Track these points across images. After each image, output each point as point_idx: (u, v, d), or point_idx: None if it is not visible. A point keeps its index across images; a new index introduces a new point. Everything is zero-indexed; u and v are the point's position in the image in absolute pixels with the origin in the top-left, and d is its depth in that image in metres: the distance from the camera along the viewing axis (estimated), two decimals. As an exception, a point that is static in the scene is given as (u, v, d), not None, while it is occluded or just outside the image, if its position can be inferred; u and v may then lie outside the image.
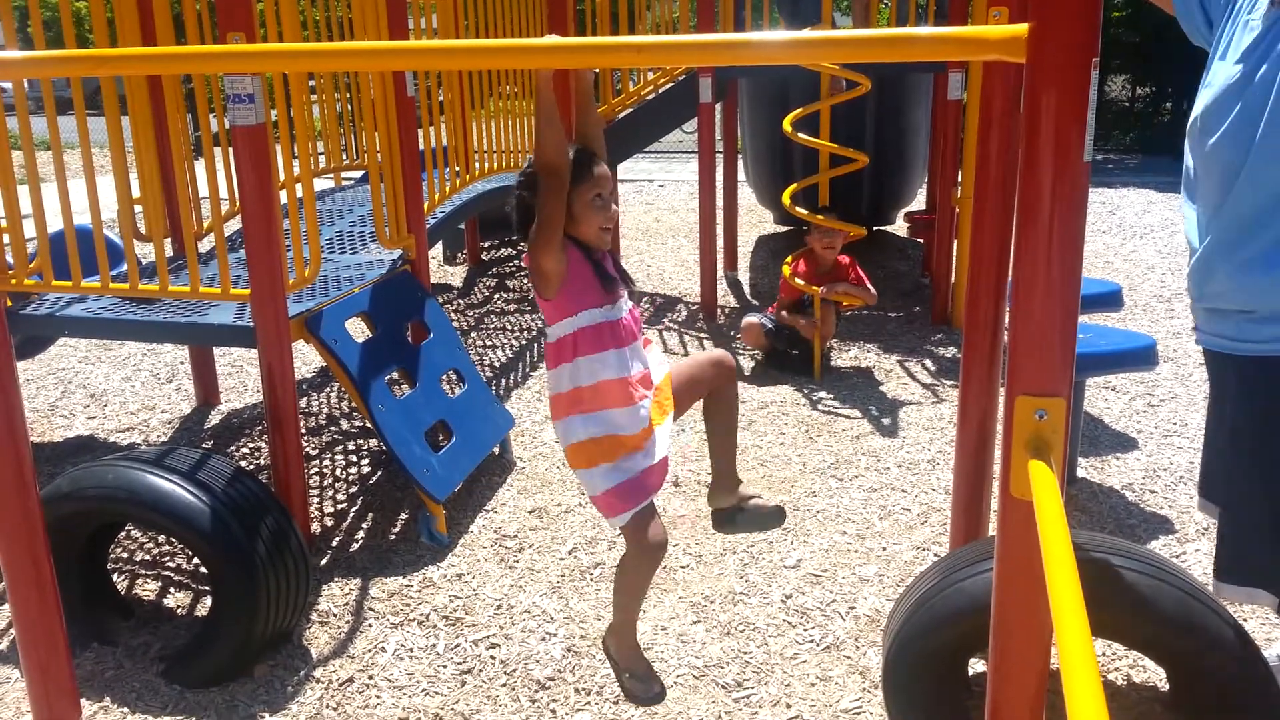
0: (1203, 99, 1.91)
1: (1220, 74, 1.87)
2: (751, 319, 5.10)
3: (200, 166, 3.73)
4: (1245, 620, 2.75)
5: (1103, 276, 6.52)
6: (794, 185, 5.20)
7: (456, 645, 2.77)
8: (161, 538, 3.31)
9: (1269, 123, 1.75)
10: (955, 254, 5.48)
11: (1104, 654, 2.60)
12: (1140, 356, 3.45)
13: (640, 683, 2.24)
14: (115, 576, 3.08)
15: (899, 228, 7.92)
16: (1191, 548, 3.16)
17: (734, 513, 2.39)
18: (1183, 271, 6.64)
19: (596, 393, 2.05)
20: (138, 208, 3.54)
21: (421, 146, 4.20)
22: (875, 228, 7.72)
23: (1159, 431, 4.06)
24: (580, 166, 2.03)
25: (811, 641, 2.74)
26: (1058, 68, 1.18)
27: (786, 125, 5.02)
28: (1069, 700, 0.88)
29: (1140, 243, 7.69)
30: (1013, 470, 1.31)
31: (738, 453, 2.38)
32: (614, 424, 2.06)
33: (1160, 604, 1.92)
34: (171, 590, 3.07)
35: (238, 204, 3.07)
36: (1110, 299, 4.04)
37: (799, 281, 4.90)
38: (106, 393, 4.81)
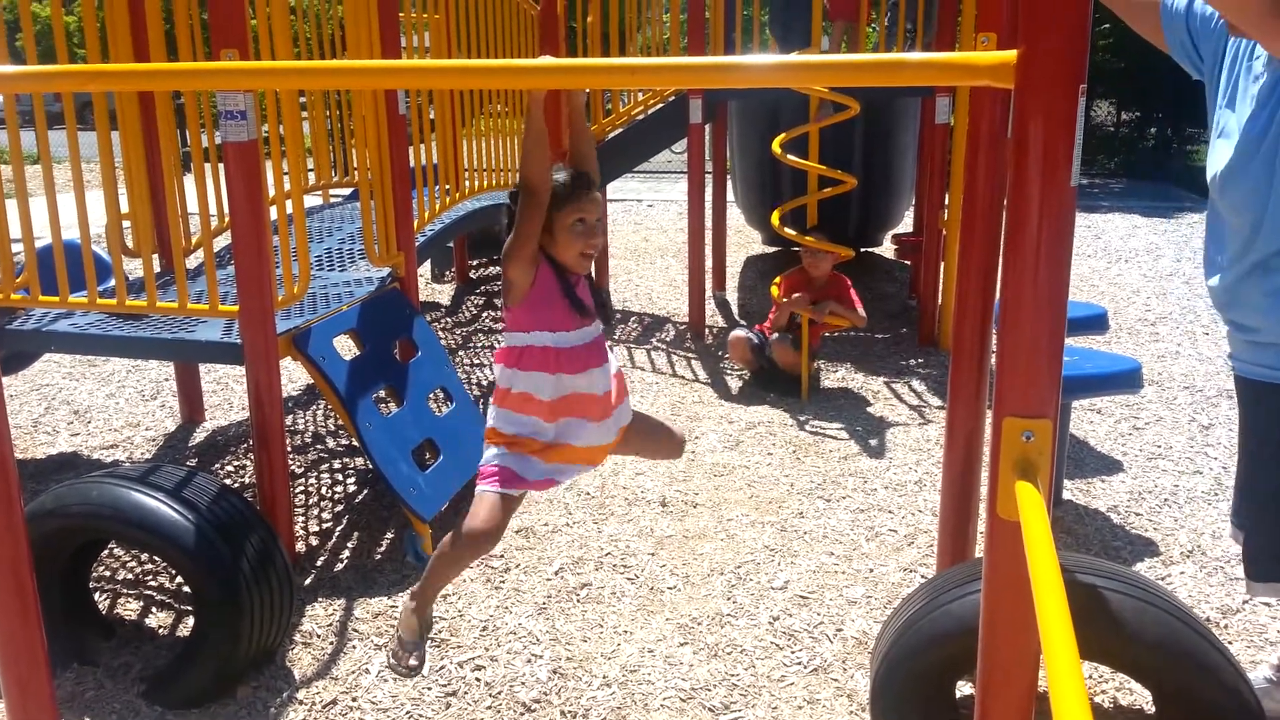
0: (1221, 151, 1.95)
1: (1232, 125, 1.91)
2: (739, 333, 5.11)
3: (190, 181, 3.73)
4: (1231, 643, 2.76)
5: (1088, 300, 6.56)
6: (783, 206, 5.23)
7: (441, 667, 2.75)
8: (144, 556, 3.28)
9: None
10: (942, 276, 5.51)
11: (1090, 676, 2.60)
12: (1125, 380, 3.47)
13: (405, 652, 2.33)
14: (97, 595, 3.05)
15: (887, 250, 7.97)
16: (1176, 570, 3.17)
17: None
18: (1169, 296, 6.70)
19: (523, 401, 2.19)
20: (126, 223, 3.54)
21: (411, 164, 4.21)
22: (863, 249, 7.77)
23: (1144, 454, 4.08)
24: (569, 189, 2.09)
25: (799, 664, 2.73)
26: (1046, 93, 1.18)
27: (775, 147, 5.05)
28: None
29: (1125, 266, 7.75)
30: (1000, 491, 1.31)
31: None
32: (525, 428, 2.21)
33: (1146, 626, 1.93)
34: (154, 609, 3.04)
35: (227, 220, 3.06)
36: (1095, 322, 4.06)
37: (789, 299, 4.91)
38: (91, 409, 4.78)
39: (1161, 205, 10.78)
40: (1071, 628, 0.99)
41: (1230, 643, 2.77)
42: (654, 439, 2.50)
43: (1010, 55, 1.20)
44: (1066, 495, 3.70)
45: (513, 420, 2.21)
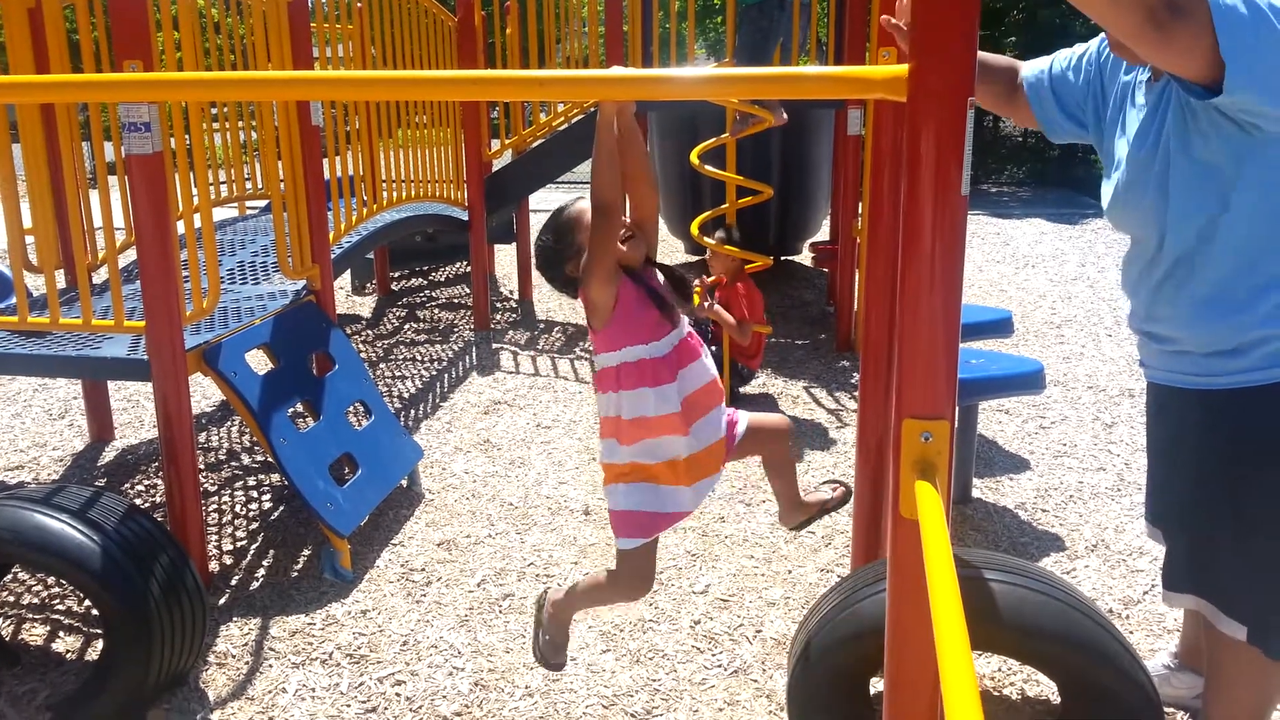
0: (1114, 180, 2.02)
1: (1123, 154, 1.98)
2: None
3: (95, 195, 3.63)
4: (1132, 633, 2.87)
5: (997, 304, 6.77)
6: (702, 216, 5.29)
7: (361, 684, 2.72)
8: (51, 579, 3.18)
9: (1174, 184, 1.87)
10: (858, 283, 5.62)
11: (999, 670, 2.68)
12: (1028, 381, 3.58)
13: (553, 649, 2.39)
14: (1, 621, 2.95)
15: (805, 258, 8.11)
16: (1081, 564, 3.29)
17: (806, 523, 2.65)
18: (1073, 300, 6.94)
19: (635, 426, 2.14)
20: (29, 238, 3.43)
21: (328, 175, 4.16)
22: (783, 258, 7.89)
23: (1050, 452, 4.23)
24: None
25: (720, 666, 2.76)
26: (936, 107, 1.23)
27: (694, 158, 5.11)
28: (948, 711, 0.92)
29: (1032, 272, 8.00)
30: (901, 491, 1.36)
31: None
32: (648, 453, 2.16)
33: (1048, 619, 2.00)
34: (61, 634, 2.95)
35: (133, 234, 2.99)
36: (1001, 326, 4.19)
37: (696, 285, 4.91)
38: (-8, 430, 4.61)
39: (1067, 212, 11.16)
40: (963, 623, 1.03)
41: (1131, 632, 2.88)
42: (762, 429, 2.37)
43: (903, 70, 1.25)
44: (976, 493, 3.81)
45: (634, 450, 2.15)
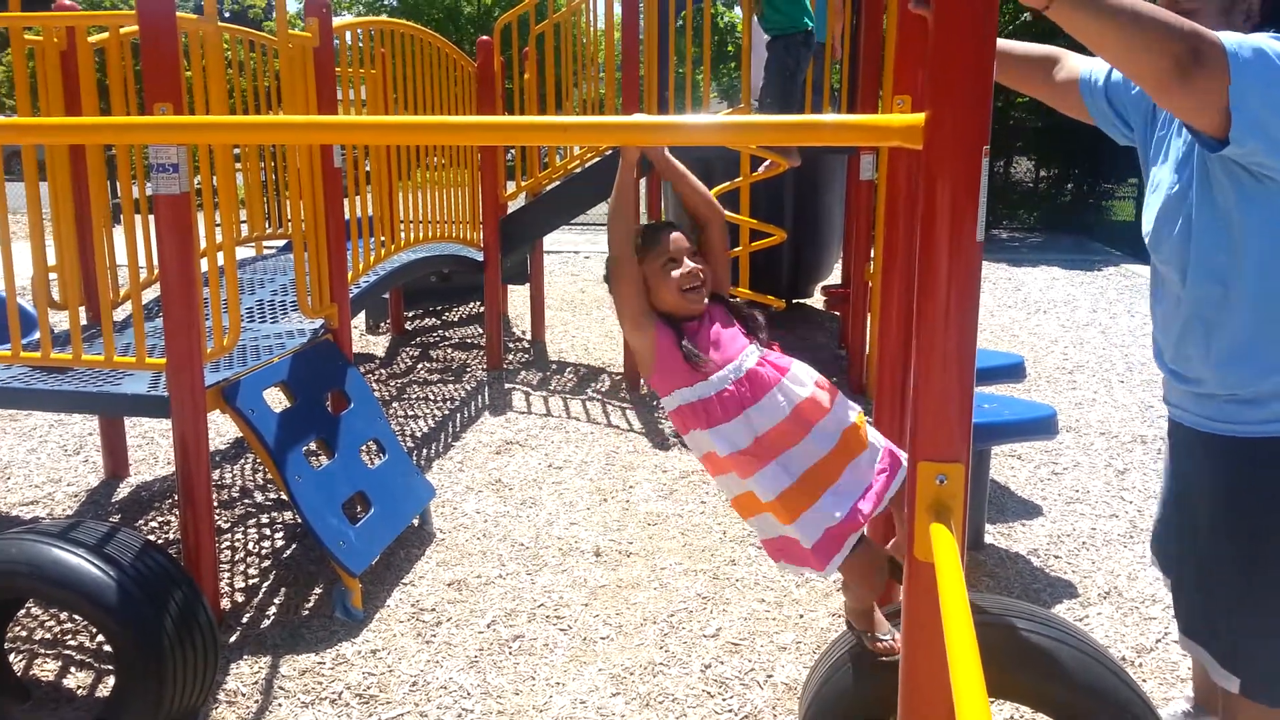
0: (1152, 206, 2.02)
1: (1163, 180, 1.99)
2: None
3: (119, 232, 3.69)
4: (1145, 680, 2.85)
5: (1008, 349, 6.77)
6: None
7: (372, 721, 2.71)
8: (63, 614, 3.19)
9: (1196, 224, 1.88)
10: (869, 327, 5.64)
11: (1011, 717, 2.66)
12: (1041, 426, 3.59)
13: (883, 637, 2.14)
14: (12, 656, 2.95)
15: (817, 301, 8.14)
16: (1094, 610, 3.27)
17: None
18: (1086, 345, 6.94)
19: (710, 463, 2.11)
20: (53, 275, 3.48)
21: (347, 215, 4.22)
22: (794, 300, 7.93)
23: (1062, 499, 4.21)
24: (645, 240, 2.10)
25: (730, 711, 2.75)
26: (951, 154, 1.25)
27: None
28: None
29: (1044, 317, 8.01)
30: (916, 534, 1.37)
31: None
32: (741, 486, 2.08)
33: (1061, 666, 1.99)
34: (72, 670, 2.95)
35: (155, 272, 3.04)
36: (1014, 370, 4.20)
37: None
38: (11, 465, 4.64)
39: (1079, 258, 11.19)
40: (979, 666, 1.04)
41: (1144, 680, 2.86)
42: None
43: (919, 118, 1.28)
44: (989, 538, 3.79)
45: (726, 484, 2.11)
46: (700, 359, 2.06)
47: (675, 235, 2.10)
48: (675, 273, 2.07)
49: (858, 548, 2.05)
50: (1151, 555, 2.31)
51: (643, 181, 6.50)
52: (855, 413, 2.11)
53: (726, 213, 5.02)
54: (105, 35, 3.44)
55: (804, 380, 2.08)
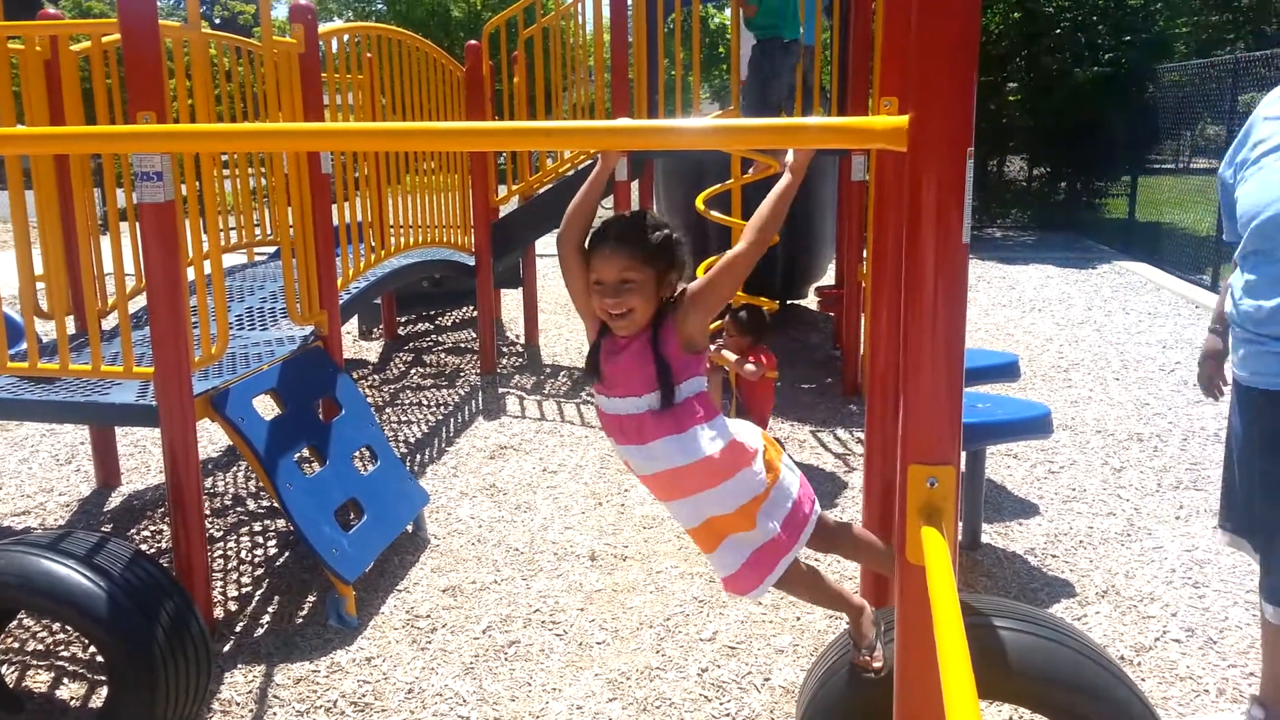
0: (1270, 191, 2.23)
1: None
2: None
3: (106, 242, 3.68)
4: (1143, 680, 2.84)
5: (1003, 348, 6.77)
6: (707, 260, 5.31)
7: (366, 730, 2.69)
8: (56, 625, 3.17)
9: None
10: (863, 327, 5.63)
11: (1010, 718, 2.65)
12: (1037, 425, 3.58)
13: (865, 652, 2.11)
14: (4, 668, 2.93)
15: (811, 301, 8.14)
16: (1092, 610, 3.26)
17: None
18: (1081, 343, 6.94)
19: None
20: (40, 284, 3.46)
21: (337, 222, 4.20)
22: (788, 301, 7.92)
23: (1059, 497, 4.20)
24: (590, 244, 2.02)
25: (728, 715, 2.73)
26: (935, 155, 1.24)
27: (699, 203, 5.15)
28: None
29: (1039, 315, 8.01)
30: (907, 537, 1.36)
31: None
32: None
33: (1060, 667, 1.98)
34: (65, 680, 2.93)
35: (143, 280, 3.02)
36: (1008, 370, 4.19)
37: (717, 346, 4.90)
38: (2, 474, 4.61)
39: (1072, 256, 11.19)
40: (970, 668, 1.03)
41: (1143, 680, 2.84)
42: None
43: (903, 120, 1.27)
44: (986, 538, 3.78)
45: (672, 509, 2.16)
46: (594, 378, 2.06)
47: (613, 254, 1.96)
48: (597, 297, 1.98)
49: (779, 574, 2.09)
50: (1225, 534, 2.48)
51: (634, 185, 6.48)
52: (733, 505, 2.04)
53: (717, 214, 4.95)
54: (88, 45, 3.42)
55: (677, 456, 1.99)
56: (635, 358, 1.99)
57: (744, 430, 2.09)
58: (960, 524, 1.95)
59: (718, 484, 2.02)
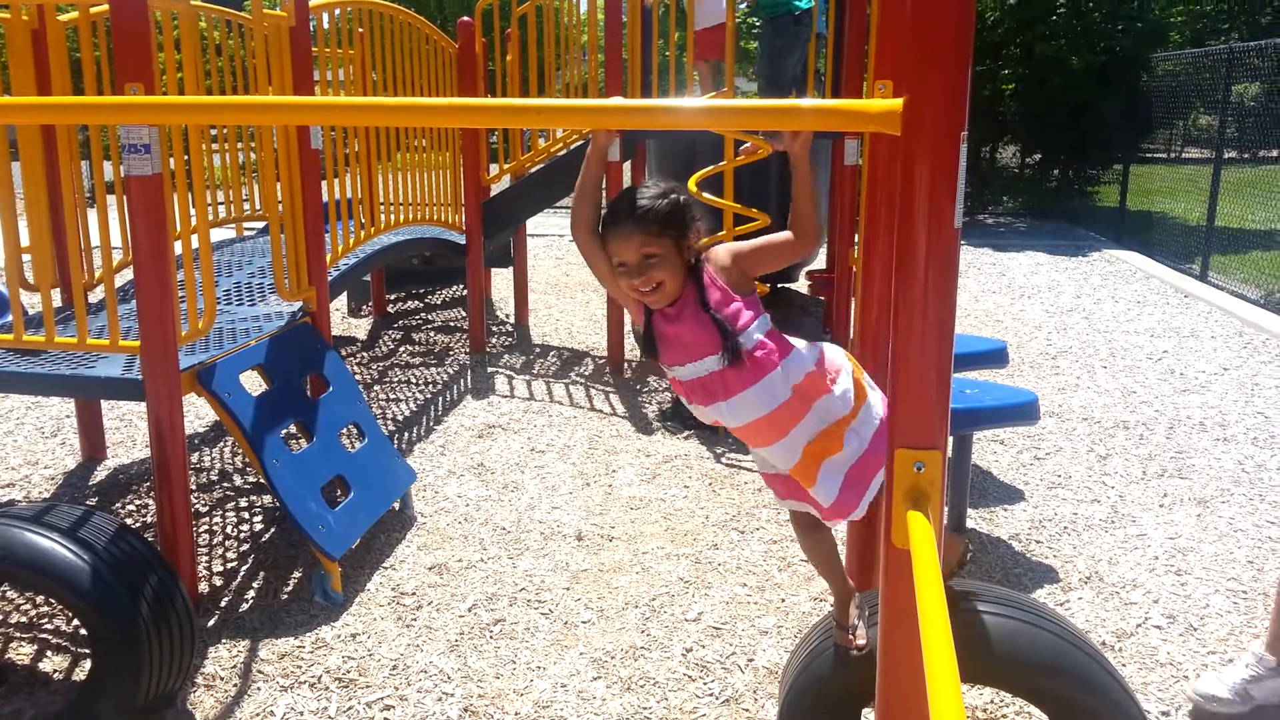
0: None
1: None
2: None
3: (93, 215, 3.64)
4: (1124, 665, 2.86)
5: (992, 334, 6.79)
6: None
7: (349, 708, 2.70)
8: (39, 598, 3.16)
9: None
10: (854, 312, 5.64)
11: (992, 701, 2.67)
12: (1023, 411, 3.59)
13: (848, 630, 2.15)
14: (-14, 641, 2.93)
15: (802, 285, 8.13)
16: (1075, 595, 3.28)
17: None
18: (1069, 331, 6.96)
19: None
20: (26, 256, 3.44)
21: (326, 198, 4.17)
22: (780, 285, 7.92)
23: (1044, 484, 4.23)
24: (604, 227, 2.05)
25: (711, 695, 2.75)
26: (930, 141, 1.24)
27: (692, 185, 5.14)
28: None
29: (1028, 302, 8.03)
30: (893, 521, 1.36)
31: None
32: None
33: (1042, 652, 2.00)
34: (48, 653, 2.93)
35: (130, 254, 3.00)
36: (996, 356, 4.20)
37: None
38: (-16, 447, 4.59)
39: (1063, 244, 11.21)
40: (953, 652, 1.03)
41: (1123, 665, 2.87)
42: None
43: (897, 104, 1.26)
44: (971, 523, 3.80)
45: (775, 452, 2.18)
46: (651, 356, 2.12)
47: (628, 235, 1.98)
48: (623, 280, 2.03)
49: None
50: None
51: (626, 165, 6.46)
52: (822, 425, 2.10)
53: (709, 196, 4.97)
54: (76, 15, 3.38)
55: (767, 401, 2.06)
56: (691, 323, 2.05)
57: (829, 352, 2.16)
58: (945, 509, 1.96)
59: (805, 414, 2.08)
